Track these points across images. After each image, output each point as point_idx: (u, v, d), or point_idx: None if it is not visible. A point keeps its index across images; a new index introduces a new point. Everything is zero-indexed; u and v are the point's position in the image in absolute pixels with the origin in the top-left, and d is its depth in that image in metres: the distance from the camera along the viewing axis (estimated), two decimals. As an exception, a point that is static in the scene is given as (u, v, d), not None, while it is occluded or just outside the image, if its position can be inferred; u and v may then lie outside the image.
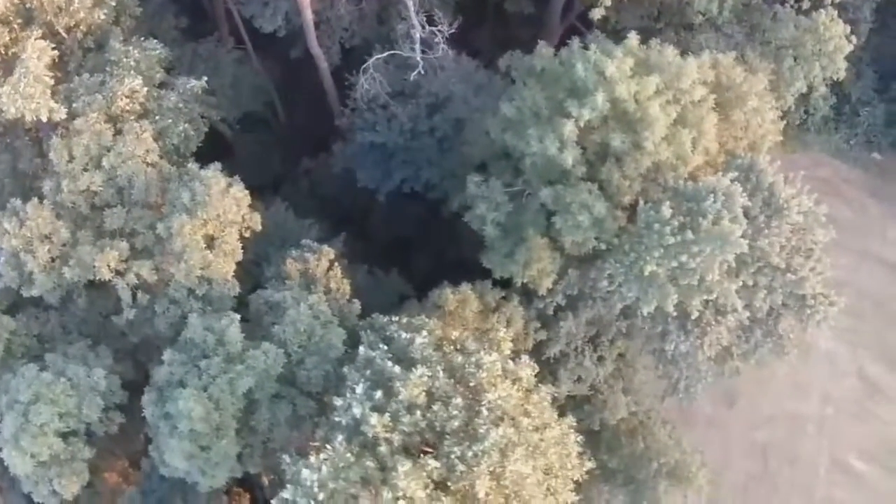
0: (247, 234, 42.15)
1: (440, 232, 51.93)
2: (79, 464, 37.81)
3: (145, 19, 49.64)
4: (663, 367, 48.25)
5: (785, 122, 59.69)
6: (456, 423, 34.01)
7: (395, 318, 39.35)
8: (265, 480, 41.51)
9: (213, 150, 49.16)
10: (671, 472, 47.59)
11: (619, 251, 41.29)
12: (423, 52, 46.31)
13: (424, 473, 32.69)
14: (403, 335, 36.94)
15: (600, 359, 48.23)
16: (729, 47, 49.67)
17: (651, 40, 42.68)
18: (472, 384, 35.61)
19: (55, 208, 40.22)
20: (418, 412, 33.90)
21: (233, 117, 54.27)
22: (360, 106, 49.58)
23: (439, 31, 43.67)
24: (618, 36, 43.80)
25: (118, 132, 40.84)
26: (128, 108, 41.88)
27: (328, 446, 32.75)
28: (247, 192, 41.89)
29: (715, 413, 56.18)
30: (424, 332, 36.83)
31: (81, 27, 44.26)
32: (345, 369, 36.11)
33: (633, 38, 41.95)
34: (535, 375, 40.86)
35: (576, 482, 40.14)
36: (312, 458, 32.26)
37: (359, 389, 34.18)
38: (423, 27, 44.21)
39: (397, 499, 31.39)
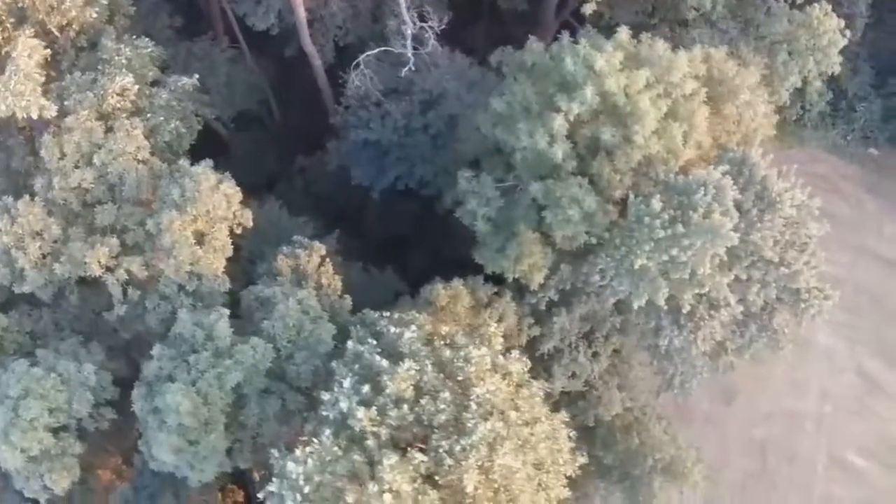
0: (238, 231, 42.15)
1: (435, 229, 51.90)
2: (70, 459, 37.91)
3: (139, 18, 49.81)
4: (658, 362, 48.16)
5: (782, 117, 59.77)
6: (444, 417, 33.97)
7: (385, 314, 39.33)
8: (256, 476, 41.51)
9: (208, 148, 49.18)
10: (666, 468, 47.45)
11: (610, 245, 41.23)
12: (415, 48, 46.32)
13: (411, 467, 32.65)
14: (392, 330, 36.95)
15: (595, 355, 48.11)
16: (723, 42, 49.59)
17: (642, 34, 42.61)
18: (460, 378, 35.57)
19: (47, 205, 40.35)
20: (405, 406, 33.86)
21: (227, 116, 54.40)
22: (353, 103, 49.62)
23: (430, 27, 43.61)
24: (612, 32, 43.64)
25: (109, 130, 40.91)
26: (119, 105, 41.95)
27: (315, 440, 32.74)
28: (238, 188, 41.91)
29: (713, 410, 56.10)
30: (413, 327, 36.82)
31: (74, 26, 44.35)
32: (333, 364, 36.13)
33: (623, 32, 41.95)
34: (529, 371, 40.87)
35: (569, 478, 40.06)
36: (298, 452, 32.30)
37: (346, 384, 34.20)
38: (415, 24, 44.17)
39: (383, 492, 31.30)
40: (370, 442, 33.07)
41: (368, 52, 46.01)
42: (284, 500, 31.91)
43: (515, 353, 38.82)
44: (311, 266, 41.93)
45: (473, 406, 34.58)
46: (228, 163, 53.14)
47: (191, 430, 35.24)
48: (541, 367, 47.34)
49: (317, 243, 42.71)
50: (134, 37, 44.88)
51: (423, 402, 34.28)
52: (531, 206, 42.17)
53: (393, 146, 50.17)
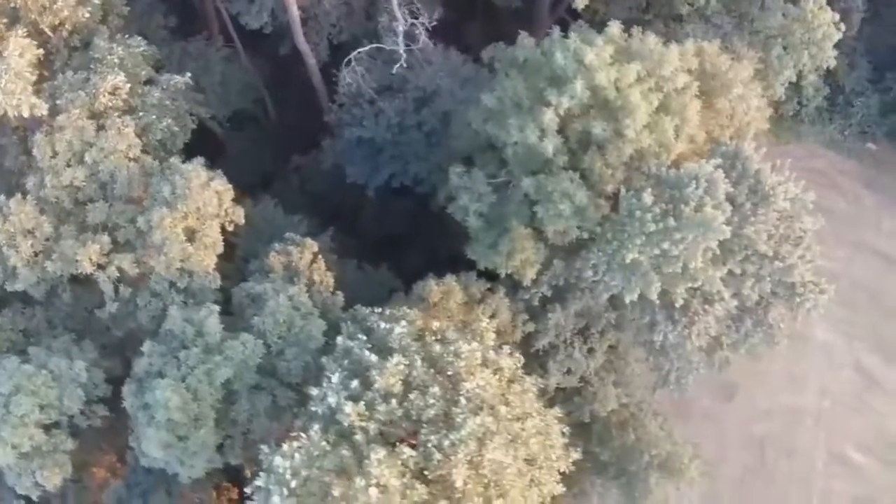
0: (230, 228, 42.22)
1: (431, 227, 51.87)
2: (61, 456, 38.04)
3: (134, 18, 49.97)
4: (654, 358, 48.08)
5: (779, 113, 59.90)
6: (433, 412, 33.94)
7: (377, 310, 39.31)
8: (248, 473, 41.47)
9: (204, 148, 49.26)
10: (662, 464, 47.27)
11: (602, 240, 41.16)
12: (407, 45, 46.32)
13: (400, 462, 32.63)
14: (383, 325, 36.93)
15: (590, 351, 47.97)
16: (717, 37, 49.49)
17: (633, 28, 42.54)
18: (450, 373, 35.54)
19: (39, 203, 40.53)
20: (394, 401, 33.85)
21: (222, 115, 54.52)
22: (347, 101, 49.65)
23: (421, 23, 43.58)
24: (605, 27, 43.65)
25: (101, 128, 41.03)
26: (111, 104, 42.07)
27: (303, 435, 32.72)
28: (229, 186, 41.99)
29: (712, 406, 55.93)
30: (403, 323, 36.79)
31: (66, 26, 44.62)
32: (323, 360, 36.07)
33: (614, 27, 41.90)
34: (524, 367, 40.82)
35: (563, 473, 39.96)
36: (285, 447, 32.29)
37: (335, 379, 34.22)
38: (406, 20, 44.18)
39: (369, 486, 31.25)
40: (358, 437, 33.07)
41: (360, 49, 45.99)
42: (271, 494, 31.94)
43: (507, 349, 38.75)
44: (303, 263, 41.95)
45: (463, 401, 34.56)
46: (224, 162, 53.32)
47: (180, 426, 35.31)
48: (536, 363, 47.25)
49: (308, 240, 42.73)
50: (126, 36, 44.97)
51: (412, 396, 34.27)
52: (523, 201, 42.08)
53: (387, 144, 50.16)
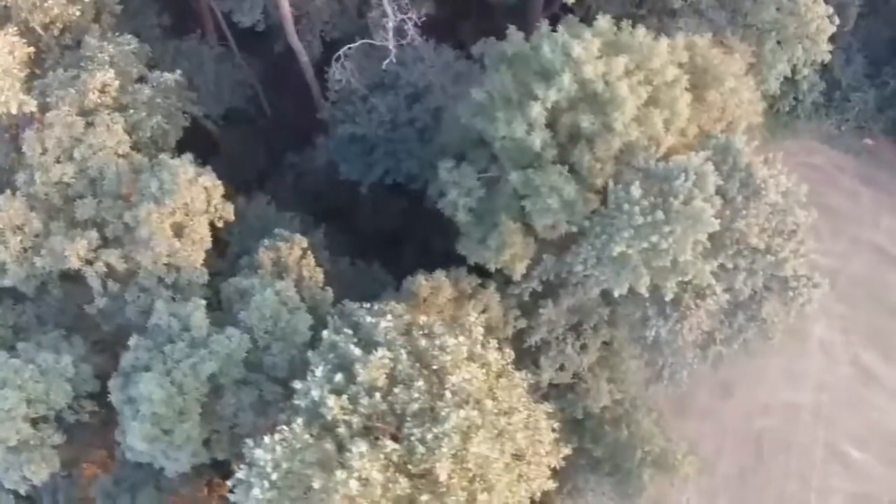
0: (220, 224, 42.26)
1: (425, 224, 51.76)
2: (48, 450, 38.15)
3: (127, 17, 50.23)
4: (648, 354, 47.87)
5: (775, 108, 59.65)
6: (417, 406, 33.80)
7: (365, 305, 39.24)
8: (235, 468, 41.42)
9: (199, 146, 49.50)
10: (656, 460, 47.13)
11: (591, 234, 41.01)
12: (398, 41, 46.30)
13: (382, 455, 32.50)
14: (369, 320, 36.84)
15: (583, 347, 47.88)
16: (711, 31, 49.23)
17: (622, 22, 42.40)
18: (435, 367, 35.39)
19: (28, 200, 40.66)
20: (378, 395, 33.72)
21: (216, 113, 54.60)
22: (338, 98, 49.66)
23: (410, 18, 43.58)
24: (595, 21, 43.53)
25: (90, 125, 41.13)
26: (100, 101, 42.16)
27: (285, 428, 32.66)
28: (219, 182, 42.04)
29: (710, 403, 55.73)
30: (389, 317, 36.69)
31: (57, 24, 44.88)
32: (309, 354, 36.02)
33: (602, 20, 41.78)
34: (515, 363, 40.70)
35: (553, 469, 39.80)
36: (267, 440, 32.21)
37: (318, 372, 34.15)
38: (396, 15, 44.16)
39: (348, 479, 31.13)
40: (342, 430, 32.96)
41: (349, 46, 45.99)
42: (252, 487, 31.88)
43: (494, 343, 38.60)
44: (292, 259, 41.95)
45: (448, 395, 34.42)
46: (219, 160, 53.46)
47: (164, 419, 35.35)
48: (528, 359, 47.21)
49: (298, 236, 42.75)
50: (118, 34, 45.09)
51: (396, 390, 34.14)
52: (512, 195, 42.00)
53: (380, 141, 50.18)
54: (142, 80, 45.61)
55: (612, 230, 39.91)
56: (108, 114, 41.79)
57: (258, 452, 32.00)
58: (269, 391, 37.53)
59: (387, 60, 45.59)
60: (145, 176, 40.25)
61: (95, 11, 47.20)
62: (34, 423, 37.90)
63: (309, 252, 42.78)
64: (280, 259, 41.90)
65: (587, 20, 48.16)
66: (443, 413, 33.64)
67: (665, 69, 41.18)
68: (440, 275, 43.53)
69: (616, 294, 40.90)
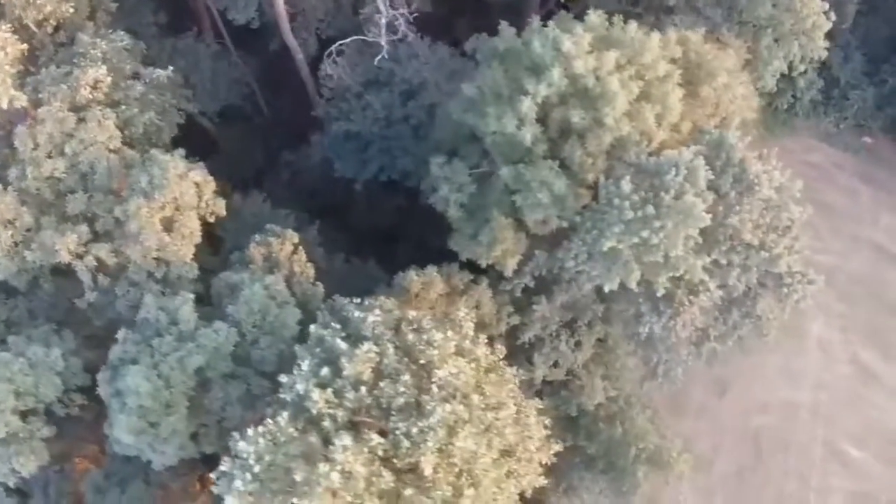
0: (211, 220, 42.31)
1: (421, 221, 51.75)
2: (37, 443, 38.30)
3: (124, 15, 50.44)
4: (642, 351, 47.66)
5: (773, 106, 59.41)
6: (402, 400, 33.68)
7: (355, 300, 39.17)
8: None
9: (198, 144, 49.74)
10: (651, 457, 46.93)
11: (582, 229, 40.88)
12: (392, 38, 46.33)
13: (367, 449, 32.40)
14: (356, 314, 36.77)
15: (577, 344, 47.69)
16: (707, 28, 49.11)
17: (614, 17, 42.30)
18: (423, 362, 35.26)
19: (20, 195, 40.86)
20: (363, 389, 33.64)
21: (212, 111, 54.74)
22: (333, 95, 49.69)
23: (401, 14, 43.57)
24: (586, 16, 43.42)
25: (81, 120, 41.26)
26: (92, 97, 42.30)
27: (269, 421, 32.63)
28: (210, 178, 42.14)
29: (707, 401, 55.52)
30: (377, 311, 36.60)
31: (51, 21, 45.06)
32: (296, 348, 36.00)
33: (594, 15, 41.70)
34: (509, 359, 40.57)
35: (545, 466, 39.59)
36: (250, 432, 32.18)
37: (304, 366, 34.11)
38: (388, 11, 44.17)
39: (330, 472, 31.03)
40: (327, 424, 32.89)
41: (341, 42, 46.01)
42: (234, 479, 31.84)
43: (483, 338, 38.47)
44: (284, 254, 42.00)
45: (435, 389, 34.27)
46: (217, 157, 53.77)
47: (151, 412, 35.42)
48: (522, 355, 47.08)
49: (290, 231, 42.79)
50: (110, 31, 45.25)
51: (382, 385, 34.04)
52: (503, 191, 41.94)
53: (374, 138, 50.18)
54: (136, 76, 45.78)
55: (603, 225, 39.76)
56: (100, 109, 41.92)
57: (241, 445, 31.99)
58: (257, 385, 37.53)
59: (378, 57, 45.51)
60: (136, 171, 40.34)
61: (90, 9, 47.42)
62: (23, 415, 38.06)
63: (300, 248, 42.80)
64: (271, 254, 41.94)
65: (582, 17, 48.17)
66: (428, 407, 33.51)
67: (657, 64, 41.08)
68: (431, 270, 43.45)
69: (607, 289, 40.73)
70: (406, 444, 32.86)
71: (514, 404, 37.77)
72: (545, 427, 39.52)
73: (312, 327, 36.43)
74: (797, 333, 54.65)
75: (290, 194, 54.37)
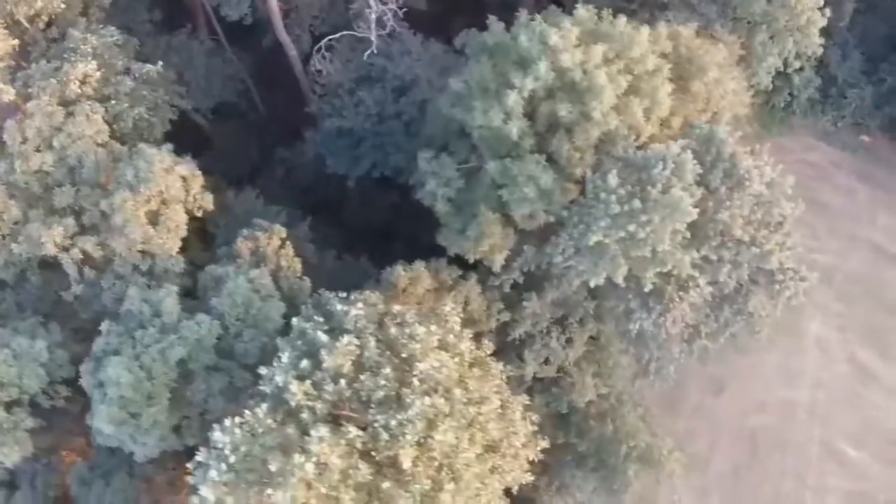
0: (198, 214, 42.35)
1: (414, 219, 51.62)
2: (21, 433, 38.45)
3: (118, 12, 50.71)
4: (634, 348, 47.38)
5: (770, 104, 59.04)
6: (382, 394, 33.54)
7: (340, 295, 39.07)
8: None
9: (193, 141, 49.92)
10: (641, 455, 46.60)
11: (570, 223, 40.66)
12: (381, 32, 46.31)
13: (344, 441, 32.26)
14: (339, 307, 36.68)
15: (569, 341, 47.42)
16: (701, 25, 48.86)
17: (602, 11, 42.11)
18: (404, 355, 35.12)
19: (8, 188, 41.11)
20: (343, 381, 33.51)
21: (206, 107, 54.84)
22: (325, 91, 49.70)
23: (390, 9, 43.55)
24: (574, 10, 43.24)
25: (70, 114, 41.41)
26: (82, 92, 42.48)
27: (247, 412, 32.56)
28: (198, 172, 42.22)
29: (704, 400, 55.15)
30: (360, 304, 36.49)
31: (43, 17, 45.30)
32: (278, 340, 35.95)
33: (582, 9, 41.53)
34: (497, 355, 40.35)
35: (533, 463, 39.32)
36: (227, 422, 32.11)
37: (284, 358, 34.05)
38: (377, 6, 44.14)
39: (304, 463, 30.91)
40: (305, 416, 32.78)
41: (331, 37, 45.99)
42: (209, 469, 31.77)
43: (468, 333, 38.29)
44: (271, 248, 41.98)
45: (416, 382, 34.11)
46: (212, 154, 53.94)
47: (132, 403, 35.47)
48: (513, 352, 46.85)
49: (277, 226, 42.77)
50: (101, 27, 45.43)
51: (363, 377, 33.91)
52: (491, 185, 41.77)
53: (367, 134, 50.17)
54: (127, 72, 45.94)
55: (590, 219, 39.53)
56: (89, 104, 42.09)
57: (217, 435, 31.97)
58: (239, 378, 37.52)
59: (368, 51, 45.48)
60: (122, 164, 40.42)
61: (83, 5, 47.66)
62: (7, 406, 38.19)
63: (288, 242, 42.72)
64: (258, 249, 41.95)
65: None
66: (408, 400, 33.35)
67: (646, 58, 40.84)
68: (419, 266, 43.31)
69: (592, 284, 40.48)
70: (385, 436, 32.71)
71: (500, 399, 37.54)
72: (532, 423, 39.27)
73: (294, 320, 36.37)
74: (795, 332, 54.41)
75: (284, 191, 54.42)
